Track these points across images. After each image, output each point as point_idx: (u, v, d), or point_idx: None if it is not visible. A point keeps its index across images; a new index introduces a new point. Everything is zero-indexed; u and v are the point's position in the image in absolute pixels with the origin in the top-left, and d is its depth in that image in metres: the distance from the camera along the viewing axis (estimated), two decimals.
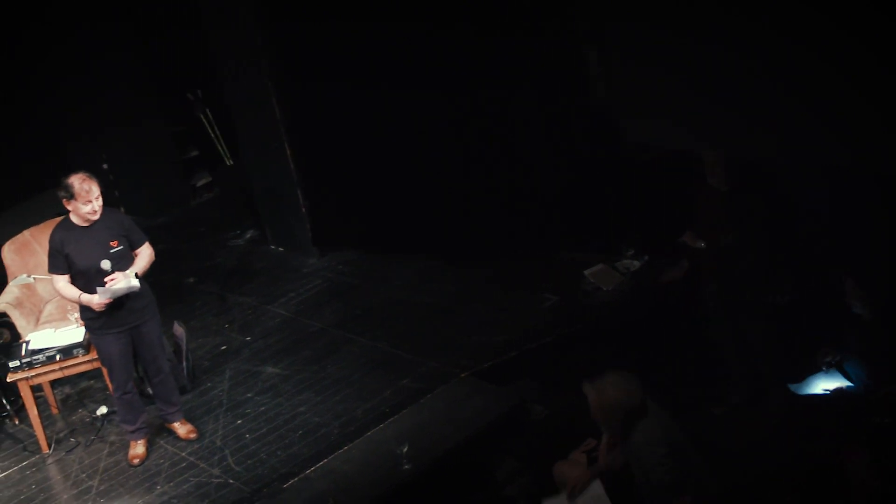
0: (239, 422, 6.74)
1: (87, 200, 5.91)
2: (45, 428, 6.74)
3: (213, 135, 11.34)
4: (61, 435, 6.90)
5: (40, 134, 10.77)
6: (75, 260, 6.00)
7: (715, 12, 5.43)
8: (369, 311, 8.00)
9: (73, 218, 6.04)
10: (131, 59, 10.42)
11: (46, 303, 7.48)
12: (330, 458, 6.18)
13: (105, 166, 10.48)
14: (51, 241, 6.06)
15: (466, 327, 7.43)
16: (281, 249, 9.48)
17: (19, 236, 7.77)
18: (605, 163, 7.92)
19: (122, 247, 6.08)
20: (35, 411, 6.62)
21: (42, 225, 7.74)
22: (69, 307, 6.91)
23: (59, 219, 6.25)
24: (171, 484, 6.21)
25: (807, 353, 6.61)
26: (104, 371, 6.55)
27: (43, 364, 6.51)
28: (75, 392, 7.45)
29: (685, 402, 6.45)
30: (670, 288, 7.08)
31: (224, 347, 7.81)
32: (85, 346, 6.54)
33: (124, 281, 5.97)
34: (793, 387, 6.53)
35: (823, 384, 6.48)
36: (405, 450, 5.94)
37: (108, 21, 10.11)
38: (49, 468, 6.59)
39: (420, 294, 8.14)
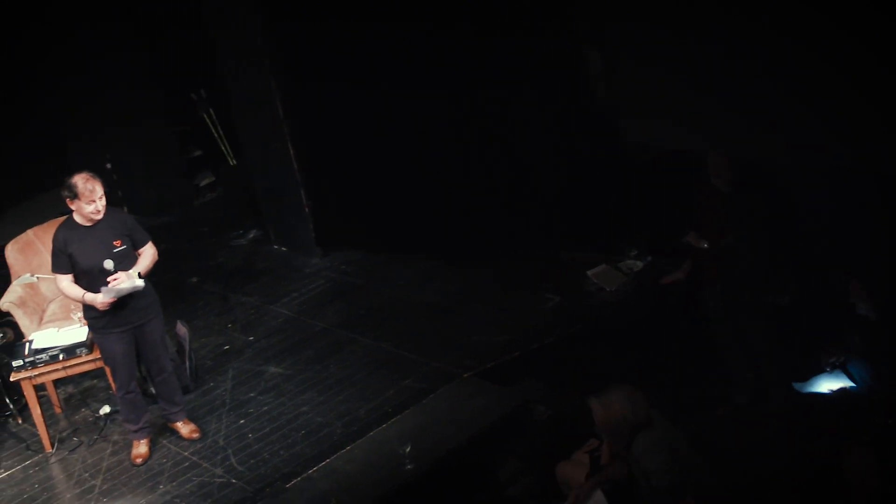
0: (242, 421, 6.74)
1: (90, 200, 5.91)
2: (48, 427, 6.74)
3: (216, 134, 11.34)
4: (64, 434, 6.91)
5: (44, 133, 10.79)
6: (78, 259, 6.01)
7: (715, 13, 5.44)
8: (372, 311, 8.00)
9: (77, 217, 6.04)
10: (134, 58, 10.44)
11: (50, 302, 7.49)
12: (333, 457, 6.18)
13: (108, 166, 10.50)
14: (54, 241, 6.06)
15: (469, 327, 7.43)
16: (284, 249, 9.49)
17: (23, 236, 7.78)
18: (606, 163, 7.92)
19: (125, 246, 6.09)
20: (38, 410, 6.62)
21: (45, 224, 7.75)
22: (72, 306, 6.92)
23: (62, 218, 6.25)
24: (174, 483, 6.21)
25: (809, 353, 6.61)
26: (107, 370, 6.55)
27: (46, 363, 6.51)
28: (78, 391, 7.45)
29: (687, 403, 6.46)
30: (673, 289, 7.08)
31: (227, 347, 7.82)
32: (88, 345, 6.54)
33: (128, 280, 5.98)
34: (797, 385, 6.54)
35: (827, 385, 6.48)
36: (408, 450, 5.94)
37: (111, 21, 10.13)
38: (52, 467, 6.60)
39: (423, 294, 8.14)
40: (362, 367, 7.17)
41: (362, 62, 8.05)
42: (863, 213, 6.31)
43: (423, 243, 8.51)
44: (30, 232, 7.80)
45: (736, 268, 6.33)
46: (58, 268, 6.07)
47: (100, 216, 6.00)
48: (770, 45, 5.24)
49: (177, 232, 10.43)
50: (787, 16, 5.15)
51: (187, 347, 7.28)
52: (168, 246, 9.27)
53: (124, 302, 6.06)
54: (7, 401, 7.11)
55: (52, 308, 7.39)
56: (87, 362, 6.59)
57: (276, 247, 9.57)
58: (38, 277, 7.44)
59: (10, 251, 7.68)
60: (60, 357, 6.52)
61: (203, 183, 11.41)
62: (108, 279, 5.95)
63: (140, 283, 6.02)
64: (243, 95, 9.04)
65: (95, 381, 7.48)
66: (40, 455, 6.71)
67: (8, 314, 7.25)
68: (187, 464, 6.38)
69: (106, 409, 7.01)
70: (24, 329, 7.11)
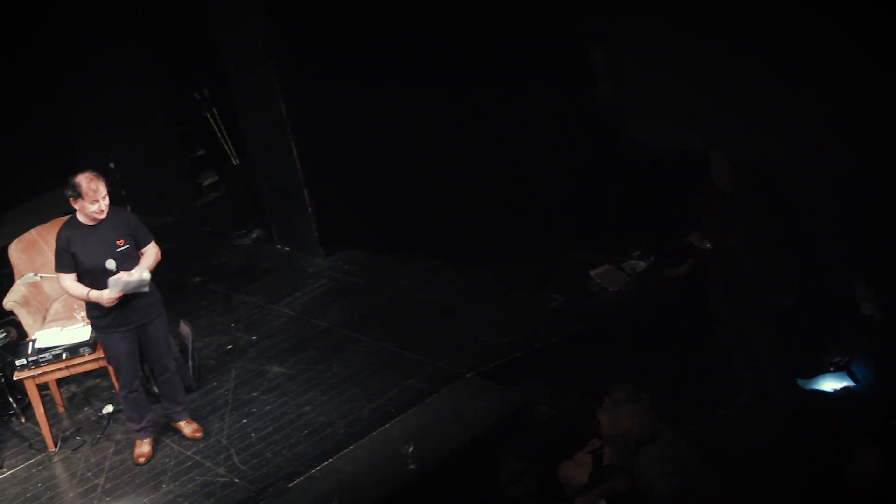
0: (244, 421, 6.74)
1: (94, 200, 5.92)
2: (51, 426, 6.75)
3: (219, 134, 11.35)
4: (67, 433, 6.91)
5: (47, 133, 10.81)
6: (81, 259, 6.01)
7: (720, 15, 5.44)
8: (375, 311, 8.00)
9: (80, 217, 6.05)
10: (138, 58, 10.44)
11: (53, 301, 7.49)
12: (335, 457, 6.18)
13: (112, 165, 10.50)
14: (57, 240, 6.07)
15: (472, 327, 7.43)
16: (287, 249, 9.49)
17: (26, 235, 7.79)
18: (609, 163, 7.92)
19: (128, 246, 6.09)
20: (41, 410, 6.63)
21: (49, 224, 7.75)
22: (75, 306, 6.92)
23: (65, 217, 6.26)
24: (177, 483, 6.21)
25: (811, 354, 6.61)
26: (110, 370, 6.56)
27: (49, 363, 6.52)
28: (81, 391, 7.46)
29: (689, 403, 6.46)
30: (675, 288, 7.08)
31: (230, 347, 7.82)
32: (91, 344, 6.54)
33: (136, 272, 5.98)
34: (801, 382, 6.54)
35: (830, 384, 6.48)
36: (410, 450, 5.94)
37: (115, 20, 10.12)
38: (55, 466, 6.60)
39: (426, 294, 8.14)
40: (365, 366, 7.17)
41: (365, 62, 8.05)
42: (864, 214, 6.31)
43: (426, 243, 8.51)
44: (33, 231, 7.81)
45: (738, 268, 6.32)
46: (61, 267, 6.07)
47: (103, 216, 6.00)
48: (771, 45, 5.24)
49: (180, 231, 10.43)
50: (789, 17, 5.15)
51: (190, 347, 7.28)
52: (171, 245, 9.26)
53: (127, 301, 6.06)
54: (10, 400, 7.12)
55: (56, 307, 7.39)
56: (90, 361, 6.59)
57: (279, 246, 9.57)
58: (41, 277, 7.45)
59: (14, 250, 7.69)
60: (64, 356, 6.53)
61: (206, 182, 11.42)
62: (110, 280, 5.95)
63: (147, 274, 6.02)
64: (247, 95, 9.05)
65: (98, 380, 7.48)
66: (43, 454, 6.71)
67: (11, 313, 7.25)
68: (190, 463, 6.38)
69: (109, 409, 7.01)
70: (27, 328, 7.12)
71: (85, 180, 5.90)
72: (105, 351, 6.33)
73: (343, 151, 8.63)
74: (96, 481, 6.36)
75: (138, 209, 9.92)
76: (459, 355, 7.04)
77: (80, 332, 6.63)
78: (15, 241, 7.74)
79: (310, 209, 8.91)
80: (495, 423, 6.31)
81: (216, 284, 9.06)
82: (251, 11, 8.50)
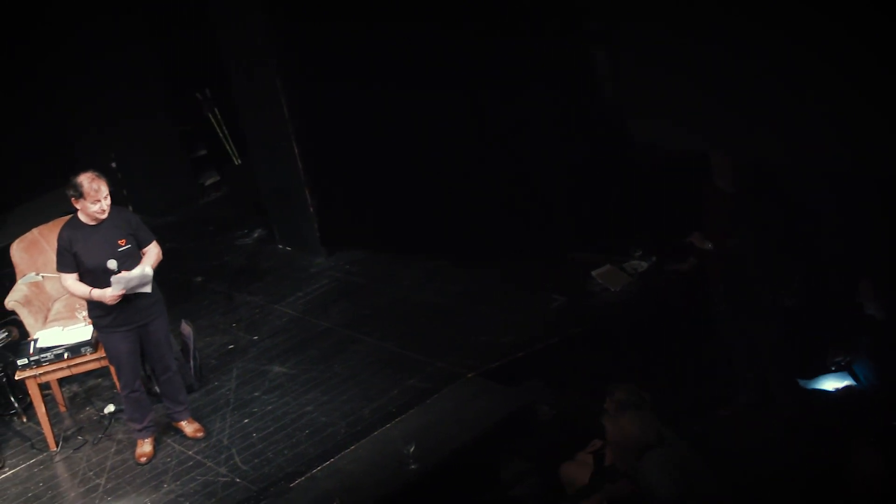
0: (246, 421, 6.74)
1: (95, 199, 5.92)
2: (52, 426, 6.75)
3: (221, 134, 11.35)
4: (69, 433, 6.91)
5: (49, 133, 10.81)
6: (83, 259, 6.01)
7: (719, 14, 5.44)
8: (377, 311, 8.00)
9: (81, 216, 6.05)
10: (140, 57, 10.44)
11: (55, 301, 7.49)
12: (337, 457, 6.18)
13: (113, 165, 10.50)
14: (59, 240, 6.07)
15: (473, 327, 7.42)
16: (288, 249, 9.49)
17: (28, 235, 7.79)
18: (612, 163, 7.92)
19: (129, 245, 6.09)
20: (43, 409, 6.63)
21: (50, 223, 7.76)
22: (77, 305, 6.93)
23: (67, 217, 6.26)
24: (178, 482, 6.21)
25: (814, 354, 6.61)
26: (112, 369, 6.56)
27: (51, 362, 6.52)
28: (83, 390, 7.46)
29: (691, 403, 6.46)
30: (677, 289, 7.08)
31: (231, 346, 7.82)
32: (93, 344, 6.55)
33: (138, 268, 5.98)
34: (802, 382, 6.53)
35: (832, 384, 6.48)
36: (412, 450, 5.94)
37: (117, 20, 10.12)
38: (57, 466, 6.60)
39: (427, 294, 8.14)
40: (366, 366, 7.17)
41: (367, 62, 8.05)
42: (865, 214, 6.32)
43: (427, 243, 8.51)
44: (35, 231, 7.81)
45: (739, 269, 6.32)
46: (63, 266, 6.08)
47: (105, 215, 6.01)
48: (772, 46, 5.24)
49: (181, 231, 10.43)
50: (790, 17, 5.15)
51: (192, 346, 7.28)
52: (173, 245, 9.26)
53: (129, 301, 6.06)
54: (12, 399, 7.12)
55: (57, 307, 7.40)
56: (91, 361, 6.59)
57: (280, 246, 9.57)
58: (43, 276, 7.45)
59: (16, 250, 7.69)
60: (65, 356, 6.53)
61: (208, 182, 11.41)
62: (112, 278, 5.96)
63: (149, 271, 6.02)
64: (248, 95, 9.05)
65: (100, 379, 7.48)
66: (45, 454, 6.72)
67: (13, 313, 7.26)
68: (191, 463, 6.38)
69: (110, 408, 7.01)
70: (28, 328, 7.12)
71: (86, 180, 5.90)
72: (106, 350, 6.33)
73: (345, 151, 8.63)
74: (98, 481, 6.36)
75: (140, 209, 9.92)
76: (461, 355, 7.03)
77: (82, 331, 6.64)
78: (17, 241, 7.74)
79: (311, 209, 8.91)
80: (496, 424, 6.31)
81: (218, 284, 9.06)
82: (252, 11, 8.49)
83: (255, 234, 10.00)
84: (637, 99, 6.36)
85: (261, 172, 9.46)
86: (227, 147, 11.43)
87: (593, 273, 7.77)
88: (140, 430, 6.48)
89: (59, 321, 7.08)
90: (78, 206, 6.00)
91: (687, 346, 6.81)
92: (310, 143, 8.71)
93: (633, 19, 6.06)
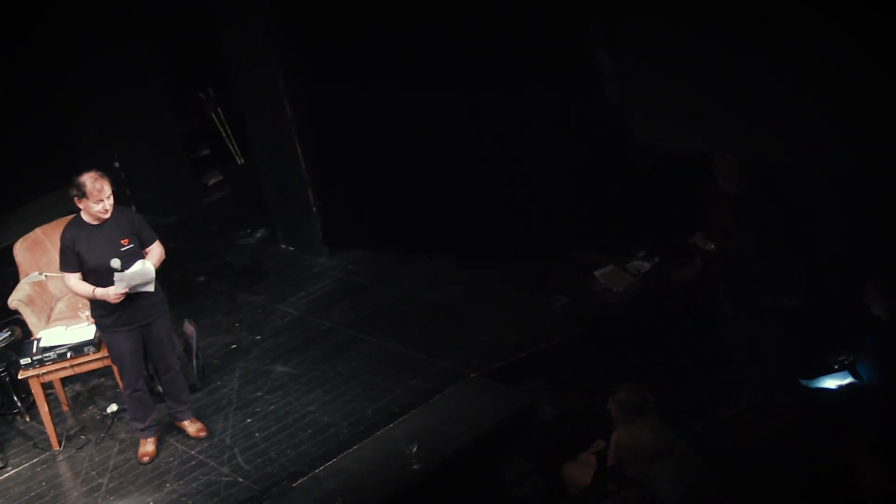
0: (248, 420, 6.75)
1: (98, 199, 5.92)
2: (55, 425, 6.75)
3: (224, 133, 11.36)
4: (72, 432, 6.92)
5: (52, 132, 10.83)
6: (86, 258, 6.02)
7: (720, 15, 5.44)
8: (379, 311, 8.00)
9: (84, 216, 6.05)
10: (143, 57, 10.45)
11: (58, 300, 7.50)
12: (339, 457, 6.18)
13: (116, 164, 10.53)
14: (62, 239, 6.08)
15: (476, 327, 7.42)
16: (291, 248, 9.50)
17: (31, 234, 7.80)
18: (615, 163, 7.91)
19: (132, 245, 6.10)
20: (46, 408, 6.64)
21: (53, 223, 7.77)
22: (80, 305, 6.93)
23: (70, 217, 6.27)
24: (181, 482, 6.22)
25: (816, 354, 6.60)
26: (114, 369, 6.57)
27: (54, 361, 6.53)
28: (86, 389, 7.46)
29: (694, 404, 6.45)
30: (679, 289, 7.07)
31: (234, 346, 7.82)
32: (96, 343, 6.55)
33: (139, 263, 5.98)
34: (804, 381, 6.53)
35: (834, 382, 6.47)
36: (414, 449, 5.94)
37: (120, 20, 10.13)
38: (59, 465, 6.61)
39: (430, 294, 8.14)
40: (369, 366, 7.17)
41: (371, 62, 8.05)
42: (865, 214, 6.31)
43: (430, 243, 8.51)
44: (38, 230, 7.82)
45: (745, 269, 6.32)
46: (66, 266, 6.08)
47: (107, 215, 6.01)
48: (774, 46, 5.24)
49: (184, 231, 10.44)
50: (791, 17, 5.15)
51: (194, 346, 7.28)
52: (175, 245, 9.27)
53: (132, 300, 6.07)
54: (15, 399, 7.13)
55: (60, 306, 7.41)
56: (94, 360, 6.60)
57: (283, 246, 9.58)
58: (46, 276, 7.46)
59: (19, 249, 7.71)
60: (68, 355, 6.53)
61: (211, 182, 11.43)
62: (115, 276, 5.96)
63: (150, 267, 6.02)
64: (251, 94, 9.05)
65: (103, 379, 7.49)
66: (48, 453, 6.72)
67: (16, 312, 7.26)
68: (194, 462, 6.39)
69: (113, 408, 7.02)
70: (32, 327, 7.13)
71: (90, 180, 5.90)
72: (109, 350, 6.34)
73: (347, 151, 8.63)
74: (100, 480, 6.37)
75: (143, 208, 9.93)
76: (463, 355, 7.03)
77: (85, 331, 6.64)
78: (20, 240, 7.76)
79: (314, 209, 8.91)
80: (499, 424, 6.30)
81: (220, 284, 9.07)
82: (255, 11, 8.50)
83: (258, 234, 10.00)
84: (639, 99, 6.35)
85: (264, 172, 9.47)
86: (230, 147, 11.43)
87: (596, 273, 7.77)
88: (143, 430, 6.48)
89: (62, 320, 7.09)
90: (81, 206, 6.00)
91: (689, 346, 6.80)
92: (312, 142, 8.71)
93: (634, 19, 6.06)
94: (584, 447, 5.99)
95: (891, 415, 5.75)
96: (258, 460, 6.29)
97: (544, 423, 6.51)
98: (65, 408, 7.19)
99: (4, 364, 7.13)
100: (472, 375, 6.79)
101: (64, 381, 7.16)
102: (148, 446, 6.49)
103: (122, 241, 6.05)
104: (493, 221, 8.08)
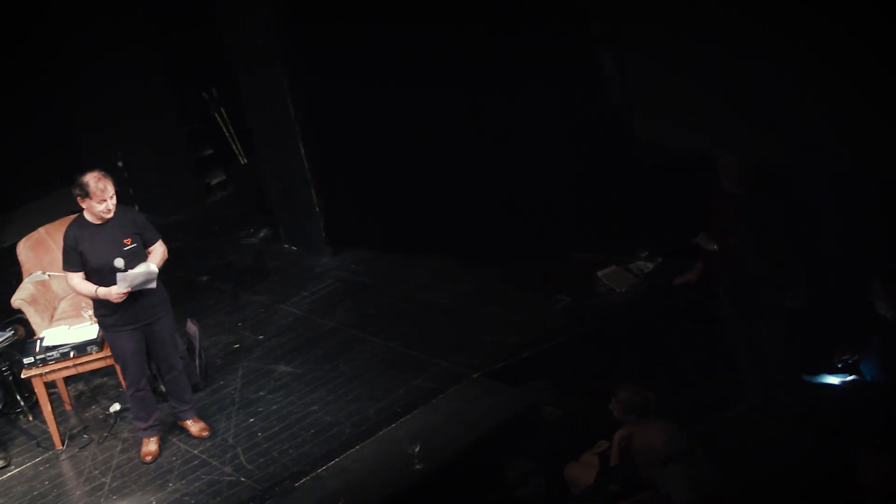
0: (251, 420, 6.75)
1: (101, 199, 5.93)
2: (58, 424, 6.76)
3: (227, 133, 11.36)
4: (75, 431, 6.93)
5: (55, 132, 10.83)
6: (89, 258, 6.02)
7: (721, 15, 5.43)
8: (382, 311, 8.00)
9: (87, 216, 6.06)
10: (146, 57, 10.46)
11: (61, 300, 7.51)
12: (342, 457, 6.18)
13: (120, 164, 10.51)
14: (65, 239, 6.08)
15: (479, 327, 7.42)
16: (294, 248, 9.50)
17: (34, 233, 7.81)
18: (618, 164, 7.91)
19: (135, 245, 6.10)
20: (49, 408, 6.64)
21: (56, 222, 7.78)
22: (83, 304, 6.94)
23: (73, 216, 6.27)
24: (184, 481, 6.22)
25: (818, 354, 6.60)
26: (117, 368, 6.57)
27: (57, 361, 6.53)
28: (89, 389, 7.47)
29: (697, 405, 6.45)
30: (683, 290, 7.07)
31: (237, 346, 7.83)
32: (98, 343, 6.56)
33: (143, 265, 5.99)
34: (807, 377, 6.53)
35: (838, 380, 6.47)
36: (417, 449, 5.94)
37: (124, 19, 10.14)
38: (62, 464, 6.62)
39: (433, 294, 8.14)
40: (372, 366, 7.17)
41: (374, 62, 8.06)
42: (865, 214, 6.31)
43: (433, 243, 8.51)
44: (41, 230, 7.83)
45: (744, 269, 6.31)
46: (69, 265, 6.09)
47: (110, 215, 6.02)
48: (775, 46, 5.22)
49: (187, 230, 10.44)
50: (791, 17, 5.14)
51: (197, 346, 7.29)
52: (179, 244, 9.28)
53: (135, 299, 6.07)
54: (18, 398, 7.13)
55: (63, 306, 7.41)
56: (97, 360, 6.61)
57: (286, 246, 9.58)
58: (49, 275, 7.47)
59: (22, 249, 7.72)
60: (71, 354, 6.54)
61: (214, 182, 11.43)
62: (118, 275, 5.96)
63: (154, 267, 6.03)
64: (254, 94, 9.06)
65: (106, 378, 7.50)
66: (51, 452, 6.73)
67: (19, 311, 7.28)
68: (197, 462, 6.39)
69: (116, 407, 7.03)
70: (35, 326, 7.14)
71: (93, 179, 5.91)
72: (112, 349, 6.34)
73: (351, 151, 8.63)
74: (103, 479, 6.37)
75: (146, 208, 9.93)
76: (466, 355, 7.03)
77: (88, 330, 6.65)
78: (23, 240, 7.77)
79: (317, 209, 8.92)
80: (502, 424, 6.30)
81: (223, 283, 9.07)
82: (259, 11, 8.50)
83: (261, 234, 10.01)
84: (639, 99, 6.34)
85: (267, 172, 9.48)
86: (234, 147, 11.43)
87: (599, 274, 7.77)
88: (145, 429, 6.49)
89: (65, 320, 7.09)
90: (84, 206, 6.01)
91: (691, 346, 6.80)
92: (316, 142, 8.72)
93: (634, 19, 6.05)
94: (586, 447, 5.98)
95: (893, 414, 5.74)
96: (261, 460, 6.30)
97: (547, 423, 6.51)
98: (68, 407, 7.20)
99: (8, 363, 7.14)
100: (475, 375, 6.79)
101: (67, 380, 7.17)
102: (151, 445, 6.50)
103: (124, 241, 6.05)
104: (496, 222, 8.09)
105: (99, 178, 5.92)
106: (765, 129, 5.42)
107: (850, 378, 6.42)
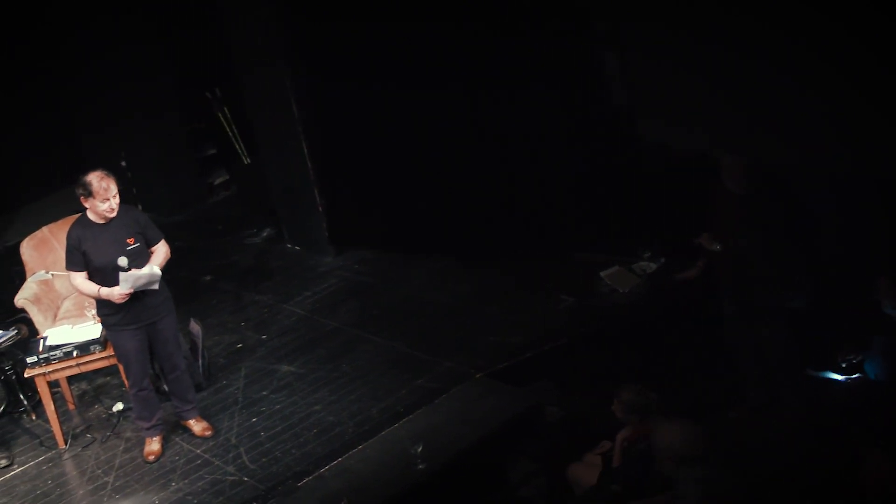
0: (254, 420, 6.75)
1: (104, 198, 5.93)
2: (61, 424, 6.77)
3: (230, 133, 11.37)
4: (77, 431, 6.93)
5: (58, 131, 10.84)
6: (92, 257, 6.03)
7: (722, 15, 5.44)
8: (385, 311, 8.00)
9: (90, 215, 6.06)
10: (149, 56, 10.46)
11: (64, 299, 7.52)
12: (344, 457, 6.19)
13: (123, 164, 10.51)
14: (68, 238, 6.09)
15: (482, 327, 7.42)
16: (297, 248, 9.50)
17: (37, 233, 7.82)
18: (622, 164, 7.91)
19: (138, 244, 6.11)
20: (52, 407, 6.65)
21: (60, 222, 7.78)
22: (86, 304, 6.94)
23: (76, 216, 6.28)
24: (186, 481, 6.23)
25: (821, 354, 6.59)
26: (120, 367, 6.57)
27: (60, 360, 6.54)
28: (92, 388, 7.47)
29: (700, 405, 6.44)
30: (685, 289, 7.07)
31: (240, 345, 7.83)
32: (102, 342, 6.56)
33: (147, 267, 6.00)
34: (810, 372, 6.53)
35: (840, 377, 6.47)
36: (419, 449, 5.94)
37: (127, 19, 10.14)
38: (65, 464, 6.62)
39: (436, 294, 8.14)
40: (375, 366, 7.17)
41: (377, 62, 8.06)
42: (865, 214, 6.31)
43: (436, 243, 8.51)
44: (44, 229, 7.83)
45: (748, 270, 6.31)
46: (72, 265, 6.09)
47: (114, 214, 6.02)
48: (775, 46, 5.23)
49: (190, 230, 10.44)
50: (792, 18, 5.15)
51: (200, 345, 7.29)
52: (182, 244, 9.29)
53: (138, 299, 6.08)
54: (21, 397, 7.14)
55: (67, 305, 7.42)
56: (100, 359, 6.61)
57: (289, 245, 9.58)
58: (52, 274, 7.47)
59: (26, 248, 7.72)
60: (74, 354, 6.55)
61: (217, 181, 11.43)
62: (121, 275, 5.97)
63: (157, 270, 6.04)
64: (258, 94, 9.06)
65: (109, 378, 7.50)
66: (53, 451, 6.73)
67: (22, 310, 7.28)
68: (199, 461, 6.40)
69: (119, 406, 7.03)
70: (38, 326, 7.14)
71: (96, 179, 5.92)
72: (115, 349, 6.35)
73: (354, 151, 8.64)
74: (106, 479, 6.38)
75: (149, 208, 9.93)
76: (469, 355, 7.04)
77: (91, 329, 6.65)
78: (27, 239, 7.77)
79: (320, 208, 8.92)
80: (504, 424, 6.31)
81: (226, 283, 9.08)
82: (263, 10, 8.51)
83: (264, 234, 10.01)
84: (641, 99, 6.36)
85: (270, 172, 9.48)
86: (237, 146, 11.44)
87: (601, 274, 7.77)
88: (148, 429, 6.49)
89: (69, 319, 7.10)
90: (87, 205, 6.01)
91: (694, 347, 6.79)
92: (319, 142, 8.72)
93: (636, 19, 6.06)
94: (589, 448, 5.98)
95: None
96: (263, 459, 6.30)
97: (549, 423, 6.51)
98: (71, 406, 7.21)
99: (11, 362, 7.15)
100: (478, 376, 6.79)
101: (70, 379, 7.17)
102: (153, 445, 6.50)
103: (127, 241, 6.06)
104: (499, 222, 8.09)
105: (102, 178, 5.92)
106: (765, 129, 5.43)
107: (854, 376, 6.42)
